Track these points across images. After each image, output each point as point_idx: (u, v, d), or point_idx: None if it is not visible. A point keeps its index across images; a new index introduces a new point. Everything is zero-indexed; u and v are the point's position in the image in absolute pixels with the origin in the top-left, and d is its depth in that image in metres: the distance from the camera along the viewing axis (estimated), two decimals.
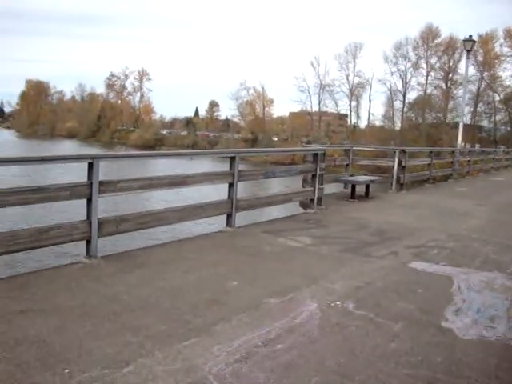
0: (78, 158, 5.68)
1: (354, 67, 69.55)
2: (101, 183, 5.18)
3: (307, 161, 8.97)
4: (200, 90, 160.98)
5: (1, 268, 9.67)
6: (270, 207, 9.32)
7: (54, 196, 5.01)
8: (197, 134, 79.75)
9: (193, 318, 3.89)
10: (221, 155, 10.29)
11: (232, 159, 6.88)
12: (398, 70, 63.86)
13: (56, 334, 3.52)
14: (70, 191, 5.04)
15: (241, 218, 7.46)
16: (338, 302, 4.38)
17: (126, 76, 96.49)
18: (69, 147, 67.91)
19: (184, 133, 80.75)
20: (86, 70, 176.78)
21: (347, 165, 12.40)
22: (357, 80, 69.73)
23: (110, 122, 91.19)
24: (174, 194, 17.77)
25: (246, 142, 67.80)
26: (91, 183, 5.10)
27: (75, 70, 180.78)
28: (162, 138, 77.80)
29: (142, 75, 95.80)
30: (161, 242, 6.84)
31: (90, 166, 5.11)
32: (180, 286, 4.62)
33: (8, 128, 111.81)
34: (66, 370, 3.02)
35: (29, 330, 3.54)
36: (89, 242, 5.21)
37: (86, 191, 5.10)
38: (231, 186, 6.92)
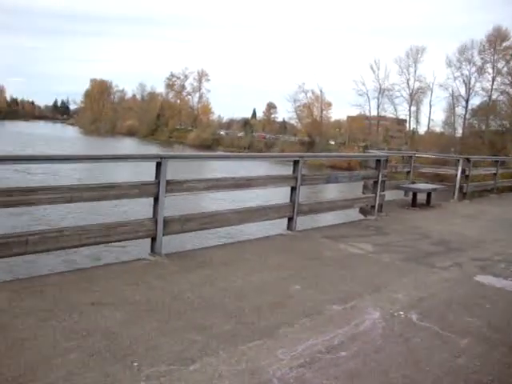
0: (147, 158, 5.83)
1: (415, 71, 67.76)
2: (168, 182, 5.30)
3: (369, 167, 8.86)
4: (258, 91, 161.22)
5: (70, 260, 10.06)
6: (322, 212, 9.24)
7: (124, 193, 5.16)
8: (253, 135, 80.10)
9: (257, 320, 3.93)
10: (284, 159, 10.33)
11: (295, 163, 6.89)
12: (462, 74, 61.72)
13: (124, 327, 3.63)
14: (139, 189, 5.20)
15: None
16: (401, 312, 4.30)
17: (186, 76, 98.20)
18: (128, 145, 69.69)
19: (241, 134, 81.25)
20: (147, 69, 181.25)
21: (408, 172, 12.16)
22: (417, 85, 67.96)
23: (168, 121, 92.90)
24: (225, 195, 17.89)
25: (302, 145, 67.47)
26: (159, 182, 5.23)
27: (137, 70, 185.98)
28: (218, 139, 78.64)
29: (202, 76, 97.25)
30: (222, 243, 6.93)
31: (158, 165, 5.23)
32: (243, 288, 4.66)
33: (72, 125, 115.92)
34: (135, 363, 3.11)
35: (99, 322, 3.68)
36: (154, 240, 5.34)
37: (153, 190, 5.23)
38: (293, 189, 6.93)
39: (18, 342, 3.28)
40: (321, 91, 74.07)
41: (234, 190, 6.54)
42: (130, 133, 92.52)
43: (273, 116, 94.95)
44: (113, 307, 3.97)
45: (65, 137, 73.00)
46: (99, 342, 3.36)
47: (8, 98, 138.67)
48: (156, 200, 5.27)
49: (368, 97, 69.95)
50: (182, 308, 4.06)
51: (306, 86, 73.89)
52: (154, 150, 61.63)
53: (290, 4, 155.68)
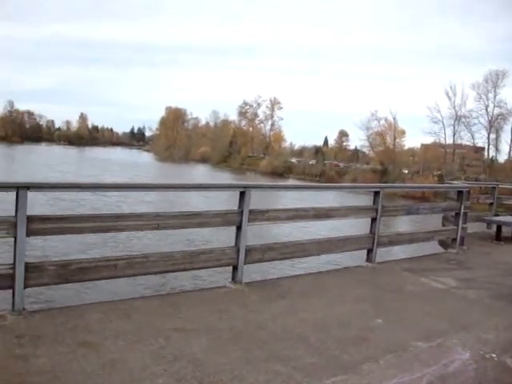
0: (231, 187, 5.94)
1: (495, 97, 65.39)
2: (250, 212, 5.37)
3: (450, 198, 8.61)
4: (330, 119, 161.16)
5: (154, 285, 10.32)
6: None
7: (208, 222, 5.29)
8: (325, 163, 79.85)
9: (339, 353, 3.87)
10: (364, 189, 10.23)
11: (376, 194, 6.80)
12: None
13: (209, 354, 3.69)
14: (222, 218, 5.31)
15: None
16: (493, 355, 4.09)
17: (259, 104, 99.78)
18: (201, 172, 71.35)
19: (312, 162, 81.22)
20: (221, 97, 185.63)
21: (491, 203, 11.68)
22: (497, 111, 65.49)
23: (240, 149, 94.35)
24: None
25: (375, 174, 66.49)
26: (242, 211, 5.31)
27: (210, 98, 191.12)
28: (290, 166, 78.92)
29: (274, 104, 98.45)
30: (301, 273, 6.91)
31: (242, 194, 5.32)
32: (324, 319, 4.62)
33: (148, 151, 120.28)
34: None
35: (184, 348, 3.75)
36: (235, 268, 5.41)
37: (236, 219, 5.32)
38: (374, 220, 6.83)
39: (110, 363, 3.40)
40: (394, 119, 72.99)
41: (315, 220, 6.53)
42: (203, 159, 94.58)
43: (345, 144, 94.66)
44: (197, 334, 4.04)
45: (140, 163, 75.82)
46: (185, 368, 3.43)
47: (89, 126, 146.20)
48: (238, 229, 5.35)
49: (443, 124, 68.16)
50: (264, 338, 4.07)
51: (379, 114, 73.16)
52: (226, 177, 62.75)
53: (361, 29, 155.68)
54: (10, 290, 4.12)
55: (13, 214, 4.08)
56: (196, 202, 24.66)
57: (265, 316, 4.58)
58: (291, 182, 63.04)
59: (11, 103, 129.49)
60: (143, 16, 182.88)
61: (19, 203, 4.03)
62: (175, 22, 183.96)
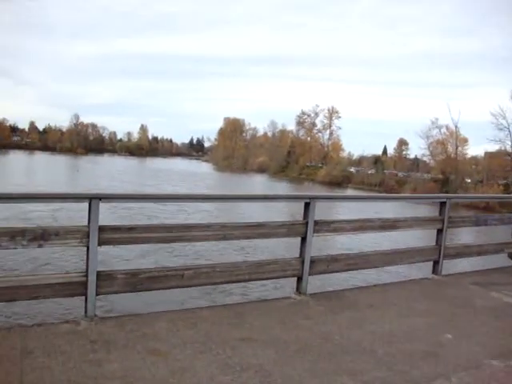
0: (297, 198, 5.94)
1: None
2: (316, 223, 5.35)
3: None
4: (389, 128, 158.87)
5: (219, 295, 10.42)
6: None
7: (273, 233, 5.29)
8: (384, 172, 78.47)
9: (409, 368, 3.77)
10: (431, 200, 9.97)
11: (442, 204, 6.62)
12: None
13: (276, 365, 3.68)
14: (287, 229, 5.31)
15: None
16: None
17: (316, 114, 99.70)
18: (259, 182, 71.63)
19: (371, 171, 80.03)
20: (278, 107, 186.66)
21: None
22: None
23: (298, 158, 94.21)
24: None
25: (436, 183, 64.75)
26: (307, 222, 5.29)
27: (268, 108, 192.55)
28: (349, 176, 78.08)
29: (332, 113, 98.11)
30: (365, 285, 6.81)
31: (307, 205, 5.31)
32: (391, 333, 4.52)
33: (206, 161, 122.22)
34: None
35: (251, 358, 3.76)
36: (300, 279, 5.39)
37: (301, 230, 5.31)
38: (440, 232, 6.64)
39: (179, 371, 3.46)
40: (456, 126, 70.82)
41: (380, 231, 6.42)
42: (261, 169, 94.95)
43: (404, 153, 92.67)
44: (263, 344, 4.05)
45: (199, 173, 77.08)
46: (253, 379, 3.44)
47: (150, 137, 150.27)
48: (303, 240, 5.33)
49: (509, 131, 65.46)
50: (331, 350, 4.03)
51: (440, 121, 71.22)
52: (284, 187, 62.78)
53: (419, 36, 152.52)
54: (83, 297, 4.28)
55: (83, 223, 4.25)
56: (250, 211, 24.80)
57: (331, 328, 4.53)
58: (350, 191, 62.38)
59: (76, 116, 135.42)
60: (202, 29, 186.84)
61: (91, 213, 4.19)
62: (234, 33, 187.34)
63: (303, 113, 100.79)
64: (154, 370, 3.44)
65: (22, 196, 4.56)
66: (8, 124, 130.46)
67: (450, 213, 6.75)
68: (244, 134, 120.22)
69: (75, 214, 18.02)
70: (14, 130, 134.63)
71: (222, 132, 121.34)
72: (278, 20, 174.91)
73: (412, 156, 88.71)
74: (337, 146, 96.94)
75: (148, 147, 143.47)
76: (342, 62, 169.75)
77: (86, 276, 4.21)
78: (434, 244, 6.75)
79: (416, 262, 6.76)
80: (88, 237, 4.17)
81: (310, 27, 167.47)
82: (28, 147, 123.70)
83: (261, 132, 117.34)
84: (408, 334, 4.54)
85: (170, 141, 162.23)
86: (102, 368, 3.42)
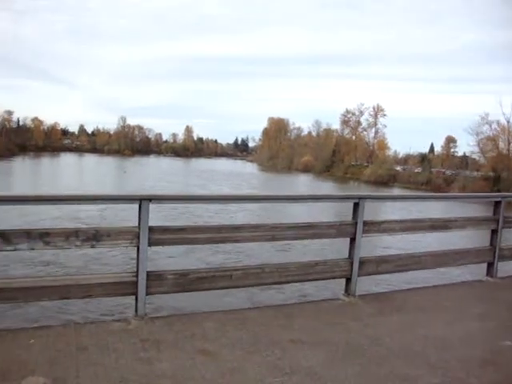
0: (345, 198, 5.85)
1: None
2: (365, 223, 5.26)
3: None
4: (436, 125, 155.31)
5: (269, 295, 10.39)
6: None
7: (322, 233, 5.24)
8: (431, 171, 76.71)
9: (465, 376, 3.64)
10: (485, 199, 9.67)
11: (496, 204, 6.38)
12: None
13: (326, 368, 3.62)
14: (337, 229, 5.23)
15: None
16: None
17: (361, 112, 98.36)
18: (304, 181, 71.31)
19: (418, 169, 78.38)
20: (323, 106, 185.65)
21: None
22: None
23: (343, 158, 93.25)
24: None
25: (486, 181, 62.77)
26: (356, 223, 5.21)
27: (312, 107, 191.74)
28: (395, 174, 76.67)
29: (377, 111, 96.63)
30: (415, 287, 6.65)
31: (356, 205, 5.23)
32: (445, 337, 4.37)
33: (251, 161, 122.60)
34: None
35: (300, 360, 3.72)
36: (348, 280, 5.31)
37: (350, 230, 5.22)
38: (494, 232, 6.41)
39: (229, 372, 3.46)
40: (508, 122, 68.48)
41: (431, 231, 6.25)
42: (306, 169, 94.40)
43: (452, 150, 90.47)
44: (312, 346, 4.00)
45: (244, 173, 77.50)
46: (302, 382, 3.40)
47: (195, 138, 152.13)
48: (352, 240, 5.25)
49: None
50: (382, 354, 3.94)
51: (490, 117, 69.00)
52: (329, 187, 62.32)
53: (466, 30, 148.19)
54: (133, 297, 4.34)
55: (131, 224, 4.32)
56: (291, 210, 24.71)
57: (381, 331, 4.44)
58: (396, 190, 61.26)
59: (124, 119, 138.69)
60: (244, 30, 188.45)
61: (142, 214, 4.24)
62: (276, 33, 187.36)
63: (348, 111, 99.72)
64: (203, 370, 3.45)
65: (76, 198, 4.70)
66: (59, 128, 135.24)
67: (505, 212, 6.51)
68: (288, 134, 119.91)
69: (120, 213, 18.69)
70: (64, 133, 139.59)
71: (266, 132, 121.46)
72: (319, 18, 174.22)
73: (460, 154, 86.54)
74: (382, 145, 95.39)
75: (193, 148, 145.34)
76: (386, 59, 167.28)
77: (137, 276, 4.27)
78: (488, 245, 6.53)
79: (469, 263, 6.55)
80: (138, 237, 4.22)
81: (351, 24, 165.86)
82: (78, 149, 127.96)
83: (305, 131, 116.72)
84: (463, 339, 4.38)
85: (215, 141, 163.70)
86: (153, 366, 3.46)
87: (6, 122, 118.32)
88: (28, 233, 3.91)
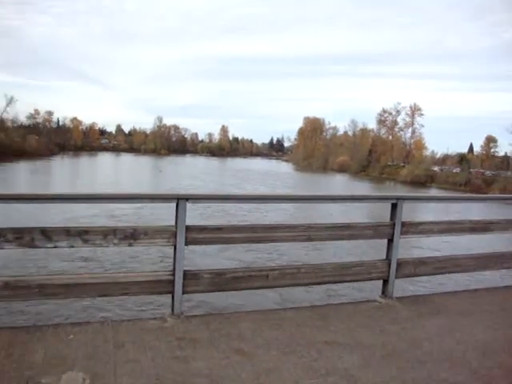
0: (383, 198, 5.77)
1: None
2: (403, 224, 5.17)
3: None
4: (476, 124, 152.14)
5: (302, 296, 10.37)
6: None
7: (359, 234, 5.17)
8: (470, 171, 75.08)
9: None
10: None
11: None
12: None
13: (362, 371, 3.57)
14: (374, 230, 5.15)
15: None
16: None
17: (398, 112, 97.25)
18: (339, 181, 70.84)
19: (456, 170, 76.85)
20: (359, 106, 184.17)
21: None
22: None
23: (380, 158, 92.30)
24: None
25: None
26: (394, 224, 5.13)
27: (349, 107, 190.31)
28: (432, 175, 75.37)
29: (414, 110, 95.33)
30: (455, 290, 6.50)
31: (394, 206, 5.14)
32: (486, 343, 4.24)
33: (286, 161, 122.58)
34: None
35: (336, 362, 3.68)
36: (385, 282, 5.23)
37: (388, 231, 5.14)
38: None
39: (264, 372, 3.44)
40: None
41: (471, 233, 6.09)
42: (342, 169, 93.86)
43: (492, 150, 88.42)
44: (348, 348, 3.95)
45: (279, 172, 77.52)
46: None
47: (230, 137, 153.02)
48: (390, 241, 5.17)
49: None
50: (420, 358, 3.85)
51: None
52: (365, 187, 61.72)
53: (505, 28, 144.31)
54: (169, 295, 4.37)
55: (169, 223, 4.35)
56: (325, 210, 24.58)
57: (419, 334, 4.35)
58: (434, 191, 60.25)
59: (160, 119, 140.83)
60: (279, 30, 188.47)
61: (179, 214, 4.26)
62: (311, 32, 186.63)
63: (384, 111, 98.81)
64: (239, 370, 3.44)
65: (117, 196, 4.81)
66: (97, 128, 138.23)
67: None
68: (324, 134, 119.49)
69: (155, 211, 19.01)
70: (102, 133, 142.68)
71: (301, 131, 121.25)
72: (355, 17, 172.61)
73: (501, 154, 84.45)
74: (419, 145, 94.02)
75: (229, 148, 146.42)
76: (423, 58, 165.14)
77: (173, 275, 4.29)
78: None
79: (510, 267, 6.36)
80: (175, 236, 4.25)
81: (388, 23, 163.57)
82: (115, 149, 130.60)
83: (341, 131, 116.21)
84: (506, 345, 4.24)
85: (251, 141, 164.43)
86: (189, 365, 3.48)
87: (47, 123, 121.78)
88: (67, 231, 3.98)
